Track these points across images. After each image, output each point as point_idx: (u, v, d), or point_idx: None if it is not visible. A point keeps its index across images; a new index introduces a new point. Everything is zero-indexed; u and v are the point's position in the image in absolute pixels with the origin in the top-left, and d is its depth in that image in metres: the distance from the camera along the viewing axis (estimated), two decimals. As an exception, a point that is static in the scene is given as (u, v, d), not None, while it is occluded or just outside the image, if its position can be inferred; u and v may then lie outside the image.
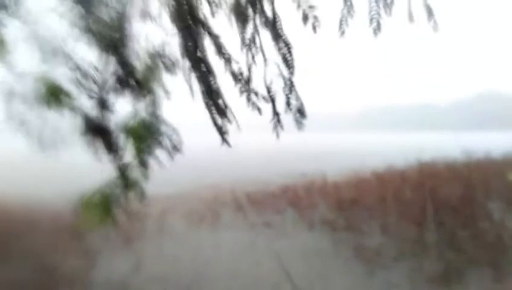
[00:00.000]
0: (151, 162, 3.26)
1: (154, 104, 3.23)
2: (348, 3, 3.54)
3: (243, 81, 3.48)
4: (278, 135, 3.65)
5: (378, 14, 3.53)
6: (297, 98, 3.58)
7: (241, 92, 3.50)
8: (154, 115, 3.20)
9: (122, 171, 3.01)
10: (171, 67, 3.32)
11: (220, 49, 3.40)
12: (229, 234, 7.33)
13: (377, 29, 3.57)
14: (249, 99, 3.57)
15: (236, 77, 3.47)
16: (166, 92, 3.32)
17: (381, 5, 3.49)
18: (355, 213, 8.06)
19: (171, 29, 3.30)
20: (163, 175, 3.70)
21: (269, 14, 3.38)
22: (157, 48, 3.23)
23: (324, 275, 5.42)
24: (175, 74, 3.37)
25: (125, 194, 3.01)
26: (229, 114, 3.48)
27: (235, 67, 3.49)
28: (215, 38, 3.38)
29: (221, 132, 3.44)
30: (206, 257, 6.09)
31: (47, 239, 6.29)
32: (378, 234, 6.94)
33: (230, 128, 3.51)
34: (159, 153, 3.33)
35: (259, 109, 3.59)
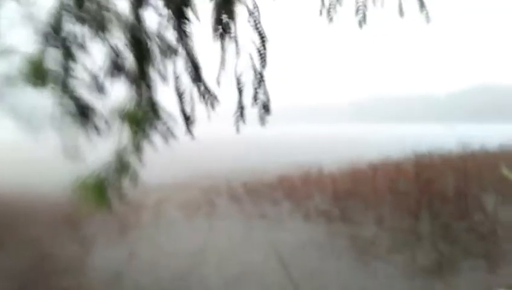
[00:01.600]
0: (146, 147, 3.25)
1: (150, 89, 3.20)
2: None
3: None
4: (238, 129, 3.61)
5: (365, 5, 3.54)
6: (265, 93, 3.54)
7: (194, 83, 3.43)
8: (150, 99, 3.18)
9: (118, 155, 2.99)
10: (167, 51, 3.28)
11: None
12: (225, 224, 7.36)
13: (363, 20, 3.59)
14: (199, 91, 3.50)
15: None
16: (163, 78, 3.30)
17: None
18: (350, 204, 8.11)
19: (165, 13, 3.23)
20: (160, 164, 3.70)
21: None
22: (153, 31, 3.19)
23: (319, 266, 5.46)
24: (171, 59, 3.32)
25: (120, 178, 3.01)
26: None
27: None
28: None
29: (188, 121, 3.41)
30: (201, 246, 6.10)
31: (43, 227, 6.29)
32: (373, 225, 6.98)
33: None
34: (155, 138, 3.31)
35: (212, 105, 3.52)
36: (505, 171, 6.90)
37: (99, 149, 3.24)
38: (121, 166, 3.04)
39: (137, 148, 3.11)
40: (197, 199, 8.97)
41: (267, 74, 3.43)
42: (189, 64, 3.31)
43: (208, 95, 3.40)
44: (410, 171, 10.17)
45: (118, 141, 3.06)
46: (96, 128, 3.31)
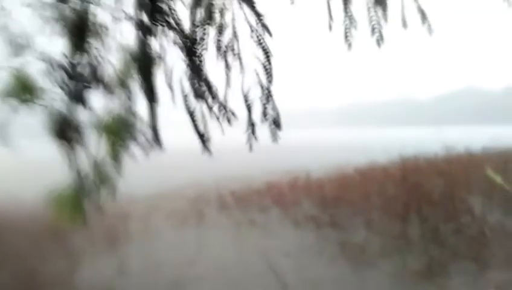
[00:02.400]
0: (126, 158, 3.21)
1: (129, 100, 3.15)
2: (349, 14, 3.55)
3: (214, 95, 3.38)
4: (251, 147, 3.55)
5: (379, 24, 3.55)
6: (274, 108, 3.49)
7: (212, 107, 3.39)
8: (130, 110, 3.13)
9: (95, 167, 2.94)
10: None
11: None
12: (214, 232, 7.29)
13: (380, 39, 3.58)
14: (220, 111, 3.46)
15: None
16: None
17: (380, 14, 3.50)
18: (339, 210, 8.10)
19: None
20: (146, 175, 3.63)
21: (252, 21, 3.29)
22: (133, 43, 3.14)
23: (310, 272, 5.43)
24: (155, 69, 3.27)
25: (97, 191, 2.96)
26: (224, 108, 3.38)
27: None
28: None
29: (203, 139, 3.36)
30: (191, 256, 6.03)
31: (27, 241, 6.13)
32: (363, 230, 6.98)
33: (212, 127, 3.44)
34: (135, 149, 3.26)
35: (229, 121, 3.47)
36: (490, 173, 6.95)
37: (78, 160, 3.17)
38: (99, 177, 3.00)
39: (116, 160, 3.06)
40: (185, 209, 8.85)
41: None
42: (202, 83, 3.26)
43: (223, 112, 3.36)
44: (397, 175, 10.23)
45: (96, 153, 3.03)
46: (75, 139, 3.24)
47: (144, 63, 2.95)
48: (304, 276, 5.25)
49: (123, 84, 3.10)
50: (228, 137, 3.56)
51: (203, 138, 3.30)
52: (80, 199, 2.90)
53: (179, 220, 7.97)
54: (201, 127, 3.32)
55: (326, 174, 11.86)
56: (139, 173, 3.36)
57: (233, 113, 3.42)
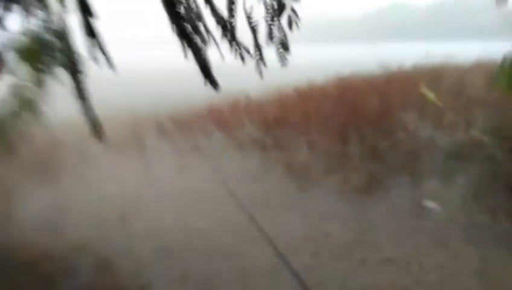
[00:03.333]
0: (52, 82, 2.94)
1: (49, 18, 2.78)
2: None
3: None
4: (261, 75, 3.29)
5: None
6: (280, 29, 3.19)
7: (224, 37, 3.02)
8: (51, 30, 2.77)
9: (15, 93, 2.68)
10: None
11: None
12: (157, 160, 7.11)
13: None
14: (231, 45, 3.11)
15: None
16: (63, 6, 2.86)
17: None
18: (281, 131, 8.17)
19: None
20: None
21: None
22: None
23: (259, 193, 5.55)
24: None
25: (20, 117, 2.74)
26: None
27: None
28: None
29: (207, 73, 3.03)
30: (135, 187, 5.86)
31: None
32: (305, 150, 7.16)
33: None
34: (61, 72, 2.97)
35: (243, 58, 3.16)
36: (424, 90, 7.24)
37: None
38: (20, 103, 2.76)
39: (38, 84, 2.80)
40: (123, 135, 8.39)
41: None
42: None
43: (236, 48, 3.00)
44: (336, 94, 10.45)
45: (16, 78, 2.76)
46: None
47: None
48: (253, 198, 5.34)
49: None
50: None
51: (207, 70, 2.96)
52: (1, 127, 2.66)
53: (118, 148, 7.56)
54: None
55: (266, 95, 11.79)
56: (67, 97, 3.06)
57: (247, 50, 3.10)
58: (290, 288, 3.41)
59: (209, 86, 3.05)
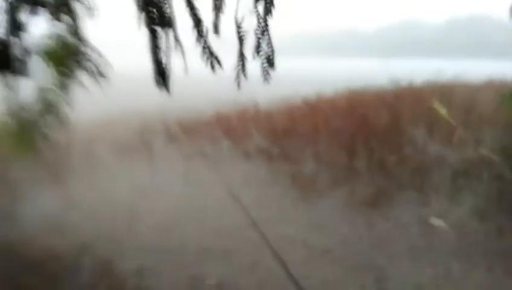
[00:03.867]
0: (75, 86, 2.97)
1: (74, 23, 2.82)
2: None
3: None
4: (239, 85, 3.27)
5: None
6: (269, 44, 3.15)
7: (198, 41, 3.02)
8: (76, 35, 2.81)
9: (40, 96, 2.71)
10: None
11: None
12: (164, 165, 7.13)
13: None
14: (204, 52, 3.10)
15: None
16: (89, 10, 2.92)
17: None
18: (289, 142, 8.16)
19: None
20: (84, 101, 3.38)
21: None
22: None
23: (263, 201, 5.54)
24: None
25: (45, 119, 2.77)
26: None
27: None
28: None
29: (163, 75, 3.05)
30: (141, 189, 5.90)
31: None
32: (312, 161, 7.12)
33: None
34: (83, 76, 3.02)
35: (213, 67, 3.15)
36: (437, 105, 7.18)
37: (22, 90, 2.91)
38: (46, 107, 2.80)
39: (63, 88, 2.83)
40: (131, 139, 8.48)
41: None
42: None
43: (208, 55, 2.99)
44: (345, 107, 10.40)
45: (42, 81, 2.79)
46: (15, 69, 2.94)
47: None
48: (257, 206, 5.33)
49: (66, 4, 2.74)
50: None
51: (163, 74, 3.00)
52: (27, 129, 2.69)
53: (126, 150, 7.64)
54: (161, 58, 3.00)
55: (275, 106, 11.81)
56: (83, 100, 3.13)
57: (218, 60, 3.08)
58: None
59: (160, 88, 3.08)
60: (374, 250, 4.24)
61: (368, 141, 7.41)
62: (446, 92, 10.42)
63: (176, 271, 3.87)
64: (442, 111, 6.57)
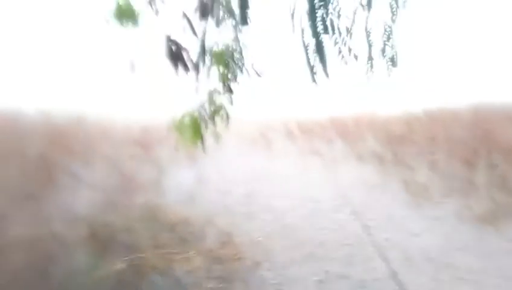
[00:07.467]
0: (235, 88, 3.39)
1: (236, 28, 3.24)
2: None
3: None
4: (369, 78, 3.61)
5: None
6: (393, 47, 3.52)
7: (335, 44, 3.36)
8: (237, 39, 3.26)
9: (210, 96, 3.18)
10: None
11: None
12: (280, 157, 7.68)
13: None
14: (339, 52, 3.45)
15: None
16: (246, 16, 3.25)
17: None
18: (404, 148, 8.09)
19: None
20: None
21: None
22: None
23: (373, 204, 5.68)
24: None
25: (212, 118, 3.23)
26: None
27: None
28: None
29: (313, 71, 3.41)
30: (259, 174, 6.53)
31: (120, 149, 6.82)
32: (426, 170, 7.02)
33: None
34: (241, 79, 3.43)
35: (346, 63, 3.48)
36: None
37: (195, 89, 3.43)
38: (214, 106, 3.22)
39: (228, 90, 3.26)
40: (253, 133, 9.26)
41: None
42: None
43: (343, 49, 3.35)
44: (469, 120, 9.90)
45: (210, 82, 3.20)
46: (188, 68, 3.37)
47: None
48: (366, 208, 5.50)
49: (230, 12, 3.17)
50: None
51: (312, 69, 3.33)
52: (198, 126, 3.12)
53: (248, 143, 8.44)
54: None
55: (393, 114, 11.64)
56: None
57: (355, 55, 3.41)
58: None
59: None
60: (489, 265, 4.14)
61: (491, 156, 7.06)
62: None
63: (289, 250, 4.23)
64: None
